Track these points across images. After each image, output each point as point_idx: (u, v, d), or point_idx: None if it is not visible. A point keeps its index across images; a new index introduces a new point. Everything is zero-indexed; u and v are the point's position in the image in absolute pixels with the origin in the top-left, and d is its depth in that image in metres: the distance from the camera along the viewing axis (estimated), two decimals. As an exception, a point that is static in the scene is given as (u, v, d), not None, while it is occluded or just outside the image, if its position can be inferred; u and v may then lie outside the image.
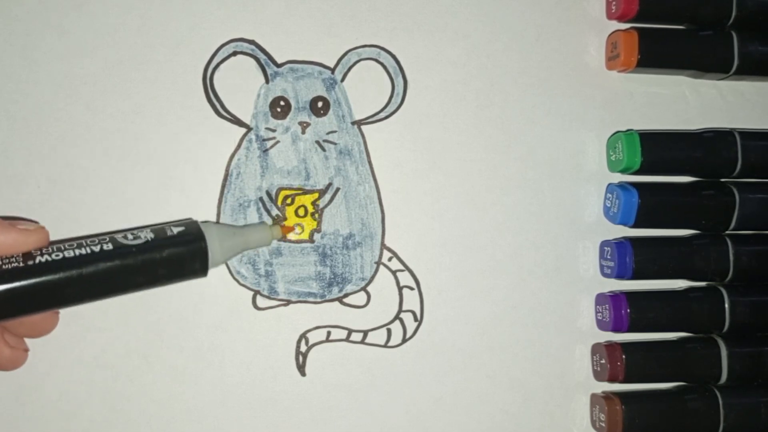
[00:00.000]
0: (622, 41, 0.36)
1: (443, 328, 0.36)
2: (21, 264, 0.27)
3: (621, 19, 0.37)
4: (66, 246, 0.28)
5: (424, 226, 0.36)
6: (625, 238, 0.37)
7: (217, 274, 0.35)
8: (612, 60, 0.37)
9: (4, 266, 0.27)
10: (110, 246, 0.28)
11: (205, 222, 0.32)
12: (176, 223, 0.31)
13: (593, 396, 0.37)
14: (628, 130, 0.37)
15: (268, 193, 0.35)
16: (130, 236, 0.29)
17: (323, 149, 0.36)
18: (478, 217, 0.36)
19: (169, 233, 0.30)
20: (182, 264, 0.30)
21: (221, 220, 0.35)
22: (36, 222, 0.32)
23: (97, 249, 0.28)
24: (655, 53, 0.36)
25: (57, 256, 0.28)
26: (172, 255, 0.29)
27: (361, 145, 0.36)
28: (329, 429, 0.35)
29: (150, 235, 0.29)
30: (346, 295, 0.36)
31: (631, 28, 0.36)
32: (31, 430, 0.33)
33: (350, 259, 0.36)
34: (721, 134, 0.37)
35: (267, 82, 0.35)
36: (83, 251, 0.28)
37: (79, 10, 0.34)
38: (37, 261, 0.27)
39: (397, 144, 0.36)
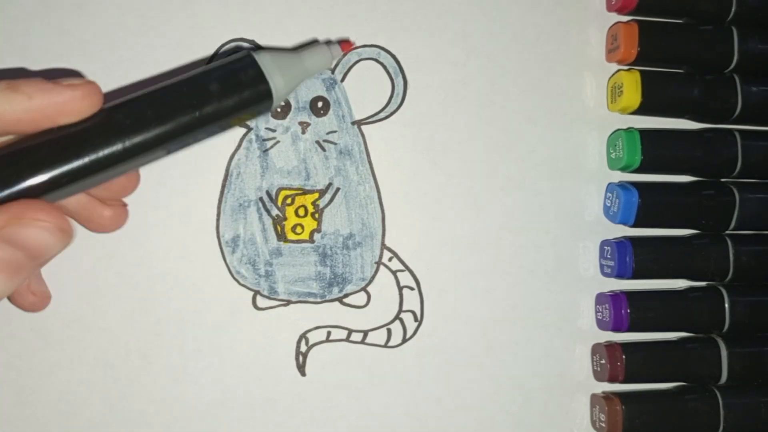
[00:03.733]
0: (622, 33, 0.36)
1: (443, 328, 0.36)
2: (79, 128, 0.24)
3: (621, 11, 0.37)
4: (125, 100, 0.25)
5: (424, 226, 0.36)
6: (625, 237, 0.37)
7: (217, 274, 0.35)
8: (612, 52, 0.37)
9: (65, 133, 0.24)
10: (174, 99, 0.26)
11: (261, 53, 0.28)
12: (231, 63, 0.27)
13: (593, 396, 0.37)
14: (628, 128, 0.37)
15: (268, 193, 0.35)
16: (189, 82, 0.26)
17: (323, 149, 0.36)
18: (478, 217, 0.36)
19: (230, 78, 0.27)
20: (248, 107, 0.27)
21: (221, 221, 0.35)
22: (82, 76, 0.29)
23: (160, 102, 0.25)
24: (654, 46, 0.36)
25: (118, 112, 0.25)
26: (237, 102, 0.27)
27: (361, 145, 0.36)
28: (329, 429, 0.35)
29: (212, 83, 0.26)
30: (346, 295, 0.36)
31: (632, 20, 0.37)
32: (31, 430, 0.33)
33: (350, 259, 0.36)
34: (722, 134, 0.37)
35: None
36: (146, 95, 0.25)
37: (79, 10, 0.34)
38: (97, 121, 0.24)
39: (397, 144, 0.36)
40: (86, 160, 0.24)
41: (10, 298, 0.31)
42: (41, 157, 0.23)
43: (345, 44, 0.31)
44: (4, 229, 0.22)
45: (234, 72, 0.27)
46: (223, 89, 0.26)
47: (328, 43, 0.31)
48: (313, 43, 0.32)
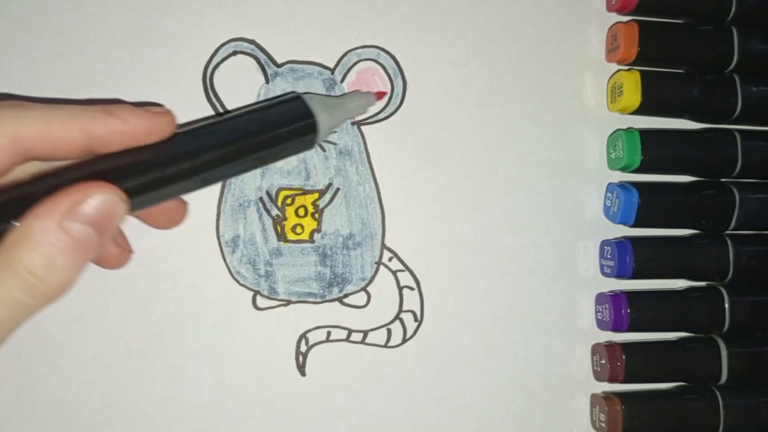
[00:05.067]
0: (622, 33, 0.36)
1: (443, 328, 0.36)
2: (155, 148, 0.27)
3: (621, 11, 0.37)
4: (191, 127, 0.29)
5: (424, 226, 0.36)
6: (625, 237, 0.37)
7: (217, 274, 0.35)
8: (612, 52, 0.37)
9: (143, 152, 0.27)
10: (235, 127, 0.29)
11: (309, 96, 0.32)
12: (283, 101, 0.31)
13: (593, 396, 0.37)
14: (628, 128, 0.37)
15: (268, 194, 0.35)
16: (247, 117, 0.30)
17: (323, 149, 0.36)
18: (478, 217, 0.36)
19: (282, 114, 0.31)
20: (297, 140, 0.31)
21: (221, 221, 0.35)
22: (162, 105, 0.33)
23: (223, 129, 0.29)
24: (654, 46, 0.36)
25: (186, 136, 0.28)
26: (287, 132, 0.30)
27: (361, 146, 0.36)
28: (329, 429, 0.35)
29: (266, 117, 0.30)
30: (346, 296, 0.36)
31: (632, 20, 0.37)
32: (31, 430, 0.33)
33: (350, 260, 0.36)
34: (722, 134, 0.37)
35: (267, 82, 0.35)
36: (210, 132, 0.29)
37: (79, 10, 0.34)
38: (169, 143, 0.27)
39: (397, 144, 0.36)
40: (159, 174, 0.27)
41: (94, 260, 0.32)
42: (127, 169, 0.26)
43: (379, 94, 0.35)
44: (73, 207, 0.23)
45: (284, 105, 0.31)
46: (275, 122, 0.30)
47: (367, 93, 0.35)
48: (354, 92, 0.35)
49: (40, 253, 0.23)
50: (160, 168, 0.27)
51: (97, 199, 0.24)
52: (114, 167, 0.26)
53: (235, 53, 0.35)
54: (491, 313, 0.36)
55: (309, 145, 0.31)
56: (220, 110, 0.35)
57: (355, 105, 0.33)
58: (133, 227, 0.33)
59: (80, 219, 0.23)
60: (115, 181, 0.25)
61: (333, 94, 0.36)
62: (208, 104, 0.35)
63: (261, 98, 0.35)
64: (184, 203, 0.33)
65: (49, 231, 0.23)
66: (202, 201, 0.35)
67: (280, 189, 0.35)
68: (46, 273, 0.23)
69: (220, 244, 0.35)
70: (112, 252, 0.32)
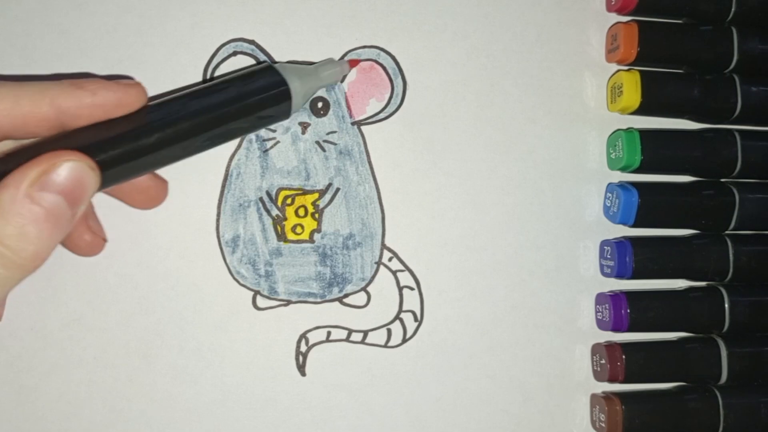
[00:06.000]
0: (622, 33, 0.36)
1: (443, 328, 0.36)
2: (127, 121, 0.27)
3: (621, 11, 0.37)
4: (163, 99, 0.28)
5: (424, 226, 0.36)
6: (625, 237, 0.37)
7: (217, 274, 0.35)
8: (612, 52, 0.37)
9: (115, 125, 0.27)
10: (207, 96, 0.29)
11: (280, 64, 0.32)
12: (253, 69, 0.31)
13: (593, 396, 0.37)
14: (628, 128, 0.37)
15: (268, 194, 0.35)
16: (219, 85, 0.30)
17: (323, 149, 0.36)
18: (478, 217, 0.36)
19: (254, 80, 0.30)
20: (271, 106, 0.30)
21: (221, 221, 0.35)
22: (132, 78, 0.33)
23: (195, 100, 0.29)
24: (654, 46, 0.36)
25: (158, 107, 0.28)
26: (261, 99, 0.30)
27: (361, 146, 0.36)
28: (329, 429, 0.35)
29: (239, 84, 0.30)
30: (346, 296, 0.36)
31: (632, 20, 0.37)
32: (31, 430, 0.33)
33: (350, 260, 0.36)
34: (721, 134, 0.37)
35: (267, 82, 0.35)
36: (183, 101, 0.28)
37: (79, 10, 0.34)
38: (140, 115, 0.27)
39: (397, 144, 0.36)
40: (130, 146, 0.26)
41: (64, 242, 0.32)
42: (97, 141, 0.26)
43: (352, 62, 0.35)
44: (41, 176, 0.23)
45: (256, 74, 0.30)
46: (248, 90, 0.30)
47: (340, 61, 0.35)
48: (328, 60, 0.35)
49: (11, 223, 0.23)
50: (130, 139, 0.26)
51: (66, 168, 0.24)
52: (84, 139, 0.25)
53: (235, 53, 0.35)
54: (491, 313, 0.36)
55: (285, 114, 0.31)
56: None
57: (328, 73, 0.33)
58: (132, 228, 0.33)
59: (50, 188, 0.23)
60: (86, 153, 0.25)
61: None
62: (208, 104, 0.35)
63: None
64: (164, 182, 0.33)
65: (17, 201, 0.23)
66: (202, 201, 0.35)
67: (280, 189, 0.35)
68: (18, 243, 0.23)
69: (220, 244, 0.35)
70: (86, 238, 0.32)
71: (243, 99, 0.29)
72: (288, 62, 0.35)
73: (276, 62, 0.35)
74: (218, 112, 0.29)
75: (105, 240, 0.33)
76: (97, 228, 0.33)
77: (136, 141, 0.26)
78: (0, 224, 0.23)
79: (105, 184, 0.26)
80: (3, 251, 0.23)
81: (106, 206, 0.34)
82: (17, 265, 0.23)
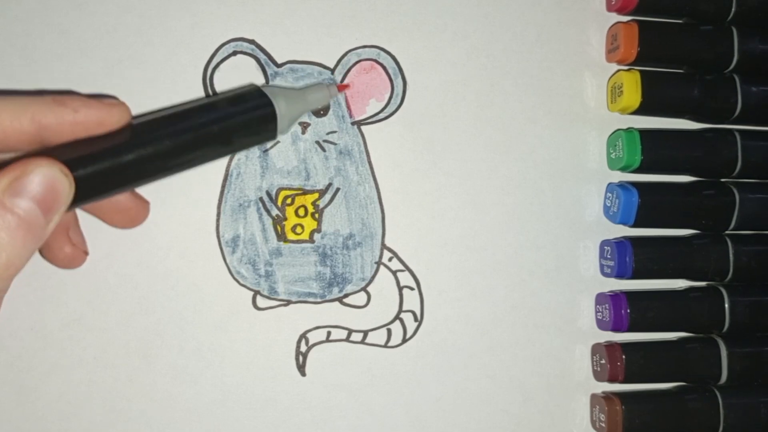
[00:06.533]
0: (622, 33, 0.36)
1: (443, 328, 0.36)
2: (109, 138, 0.27)
3: (621, 11, 0.37)
4: (148, 117, 0.28)
5: (424, 226, 0.36)
6: (625, 237, 0.37)
7: (217, 274, 0.35)
8: (612, 52, 0.37)
9: (96, 142, 0.26)
10: (191, 116, 0.29)
11: (268, 86, 0.32)
12: (240, 91, 0.31)
13: (593, 396, 0.37)
14: (628, 128, 0.37)
15: (268, 193, 0.35)
16: (204, 106, 0.29)
17: (323, 149, 0.36)
18: (478, 217, 0.36)
19: (240, 101, 0.30)
20: (256, 128, 0.30)
21: (221, 221, 0.35)
22: (116, 98, 0.32)
23: (178, 120, 0.28)
24: (654, 46, 0.36)
25: (142, 126, 0.27)
26: (246, 120, 0.30)
27: (361, 146, 0.36)
28: (329, 429, 0.35)
29: (224, 105, 0.30)
30: (346, 296, 0.36)
31: (632, 20, 0.37)
32: (31, 430, 0.33)
33: (350, 259, 0.36)
34: (722, 133, 0.37)
35: (267, 82, 0.35)
36: (167, 121, 0.28)
37: (79, 10, 0.34)
38: (123, 133, 0.27)
39: (397, 144, 0.36)
40: (108, 163, 0.26)
41: (44, 253, 0.31)
42: (75, 157, 0.25)
43: (341, 86, 0.35)
44: (13, 182, 0.23)
45: (243, 96, 0.30)
46: (233, 110, 0.29)
47: (329, 84, 0.35)
48: (317, 84, 0.35)
49: None
50: (109, 156, 0.26)
51: (39, 174, 0.23)
52: (63, 154, 0.25)
53: (235, 53, 0.35)
54: (491, 313, 0.36)
55: (271, 136, 0.31)
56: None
57: (316, 96, 0.33)
58: (132, 228, 0.33)
59: (22, 195, 0.23)
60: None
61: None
62: (208, 104, 0.35)
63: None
64: (145, 203, 0.33)
65: None
66: (202, 201, 0.35)
67: (280, 189, 0.35)
68: None
69: (220, 244, 0.35)
70: (66, 251, 0.31)
71: (227, 119, 0.29)
72: (274, 85, 0.35)
73: (279, 61, 0.35)
74: (201, 132, 0.28)
75: (86, 253, 0.32)
76: (79, 240, 0.32)
77: (116, 158, 0.26)
78: None
79: (83, 199, 0.26)
80: None
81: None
82: None
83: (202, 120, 0.29)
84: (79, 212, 0.32)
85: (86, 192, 0.25)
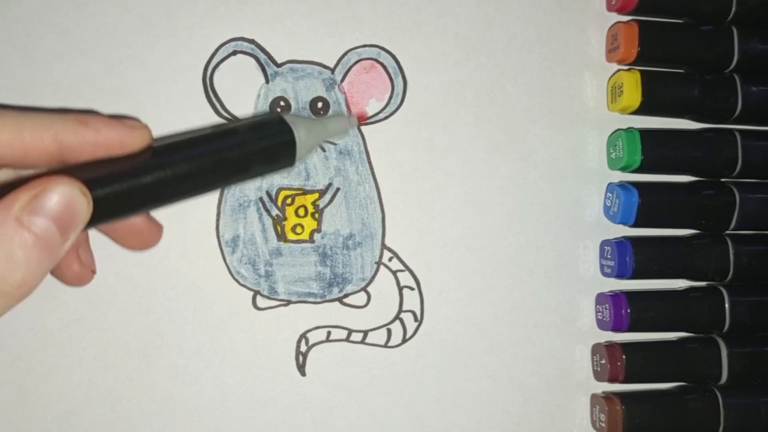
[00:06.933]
0: (622, 33, 0.36)
1: (443, 328, 0.36)
2: (128, 160, 0.27)
3: (621, 11, 0.37)
4: (168, 140, 0.28)
5: (424, 226, 0.36)
6: (625, 237, 0.37)
7: (217, 274, 0.35)
8: (612, 52, 0.37)
9: (116, 163, 0.26)
10: (211, 141, 0.29)
11: (289, 115, 0.32)
12: (262, 118, 0.31)
13: (593, 396, 0.37)
14: (628, 128, 0.37)
15: (268, 193, 0.35)
16: (225, 132, 0.29)
17: (323, 149, 0.36)
18: (478, 217, 0.36)
19: (260, 129, 0.30)
20: (275, 156, 0.30)
21: (221, 221, 0.35)
22: (137, 119, 0.32)
23: (198, 144, 0.28)
24: (654, 46, 0.36)
25: (161, 149, 0.27)
26: (265, 148, 0.30)
27: (361, 146, 0.36)
28: (329, 429, 0.35)
29: (245, 131, 0.30)
30: (346, 296, 0.36)
31: (632, 20, 0.37)
32: (31, 430, 0.33)
33: (350, 260, 0.36)
34: (722, 133, 0.37)
35: (267, 82, 0.35)
36: (186, 145, 0.28)
37: (79, 10, 0.34)
38: (143, 155, 0.27)
39: (397, 144, 0.36)
40: (127, 184, 0.26)
41: (52, 270, 0.31)
42: (94, 176, 0.25)
43: (361, 116, 0.36)
44: (32, 200, 0.23)
45: (264, 124, 0.30)
46: (253, 137, 0.29)
47: (349, 115, 0.35)
48: (338, 114, 0.35)
49: None
50: (129, 177, 0.26)
51: (58, 193, 0.23)
52: (82, 173, 0.25)
53: (235, 53, 0.35)
54: (491, 313, 0.36)
55: (289, 163, 0.31)
56: (221, 110, 0.35)
57: (336, 126, 0.33)
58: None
59: (41, 213, 0.23)
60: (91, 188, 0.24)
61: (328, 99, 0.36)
62: (208, 104, 0.35)
63: (261, 98, 0.35)
64: (159, 226, 0.32)
65: (5, 225, 0.22)
66: (202, 201, 0.35)
67: (280, 189, 0.35)
68: (4, 269, 0.22)
69: (220, 244, 0.35)
70: (74, 269, 0.31)
71: (247, 146, 0.29)
72: (296, 114, 0.35)
73: (279, 60, 0.35)
74: (220, 158, 0.28)
75: (94, 272, 0.32)
76: (88, 259, 0.32)
77: (135, 179, 0.26)
78: None
79: (100, 220, 0.25)
80: None
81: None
82: (3, 292, 0.22)
83: (222, 145, 0.29)
84: (91, 231, 0.32)
85: (104, 212, 0.25)
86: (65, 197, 0.23)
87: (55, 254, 0.23)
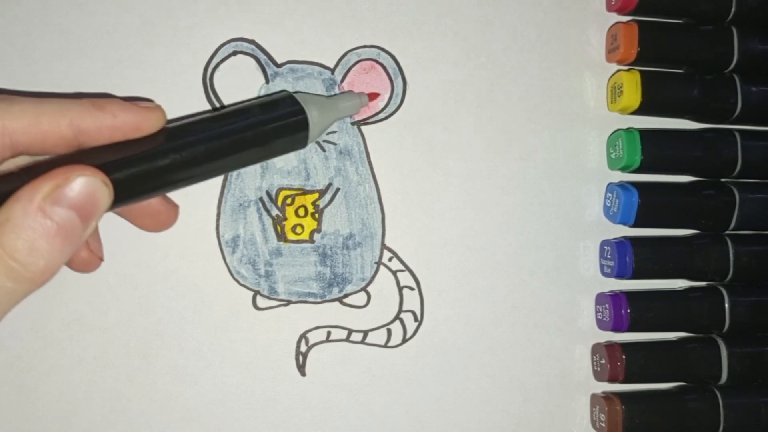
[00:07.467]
0: (622, 33, 0.36)
1: (443, 328, 0.36)
2: (144, 142, 0.27)
3: (621, 11, 0.37)
4: (182, 122, 0.29)
5: (424, 226, 0.36)
6: (625, 237, 0.37)
7: (217, 274, 0.35)
8: (612, 52, 0.37)
9: (132, 146, 0.27)
10: (224, 121, 0.29)
11: (299, 93, 0.32)
12: (272, 97, 0.31)
13: (593, 396, 0.37)
14: (628, 128, 0.37)
15: (268, 194, 0.35)
16: (237, 111, 0.30)
17: (323, 149, 0.36)
18: (478, 217, 0.36)
19: (272, 107, 0.30)
20: (288, 135, 0.30)
21: (221, 221, 0.35)
22: (151, 100, 0.32)
23: (212, 125, 0.29)
24: (654, 46, 0.36)
25: (176, 130, 0.28)
26: (279, 127, 0.30)
27: (361, 146, 0.36)
28: (329, 429, 0.35)
29: (257, 111, 0.30)
30: (346, 296, 0.36)
31: (632, 20, 0.37)
32: (31, 430, 0.33)
33: (350, 260, 0.36)
34: (722, 133, 0.37)
35: (267, 82, 0.35)
36: (200, 126, 0.28)
37: (79, 10, 0.34)
38: (158, 137, 0.27)
39: (397, 144, 0.36)
40: (144, 167, 0.26)
41: None
42: (112, 161, 0.26)
43: (372, 95, 0.35)
44: (54, 191, 0.23)
45: (276, 102, 0.30)
46: (266, 116, 0.30)
47: (360, 93, 0.35)
48: (348, 92, 0.35)
49: (21, 237, 0.22)
50: (145, 160, 0.26)
51: (80, 183, 0.23)
52: (99, 157, 0.25)
53: (235, 53, 0.35)
54: (491, 313, 0.36)
55: (302, 143, 0.31)
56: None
57: (347, 105, 0.33)
58: (132, 227, 0.33)
59: (63, 203, 0.23)
60: (101, 171, 0.24)
61: (330, 94, 0.36)
62: (208, 104, 0.35)
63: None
64: (175, 207, 0.33)
65: (29, 214, 0.23)
66: (202, 201, 0.35)
67: (280, 189, 0.35)
68: (27, 258, 0.23)
69: (220, 244, 0.35)
70: (83, 255, 0.31)
71: (260, 126, 0.29)
72: (306, 93, 0.35)
73: (279, 61, 0.35)
74: (234, 138, 0.29)
75: (101, 259, 0.32)
76: (96, 246, 0.32)
77: (151, 162, 0.26)
78: (11, 237, 0.22)
79: (118, 203, 0.26)
80: (13, 265, 0.22)
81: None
82: (26, 279, 0.23)
83: (236, 125, 0.29)
84: (101, 220, 0.32)
85: (121, 195, 0.26)
86: (87, 187, 0.24)
87: (76, 242, 0.24)
